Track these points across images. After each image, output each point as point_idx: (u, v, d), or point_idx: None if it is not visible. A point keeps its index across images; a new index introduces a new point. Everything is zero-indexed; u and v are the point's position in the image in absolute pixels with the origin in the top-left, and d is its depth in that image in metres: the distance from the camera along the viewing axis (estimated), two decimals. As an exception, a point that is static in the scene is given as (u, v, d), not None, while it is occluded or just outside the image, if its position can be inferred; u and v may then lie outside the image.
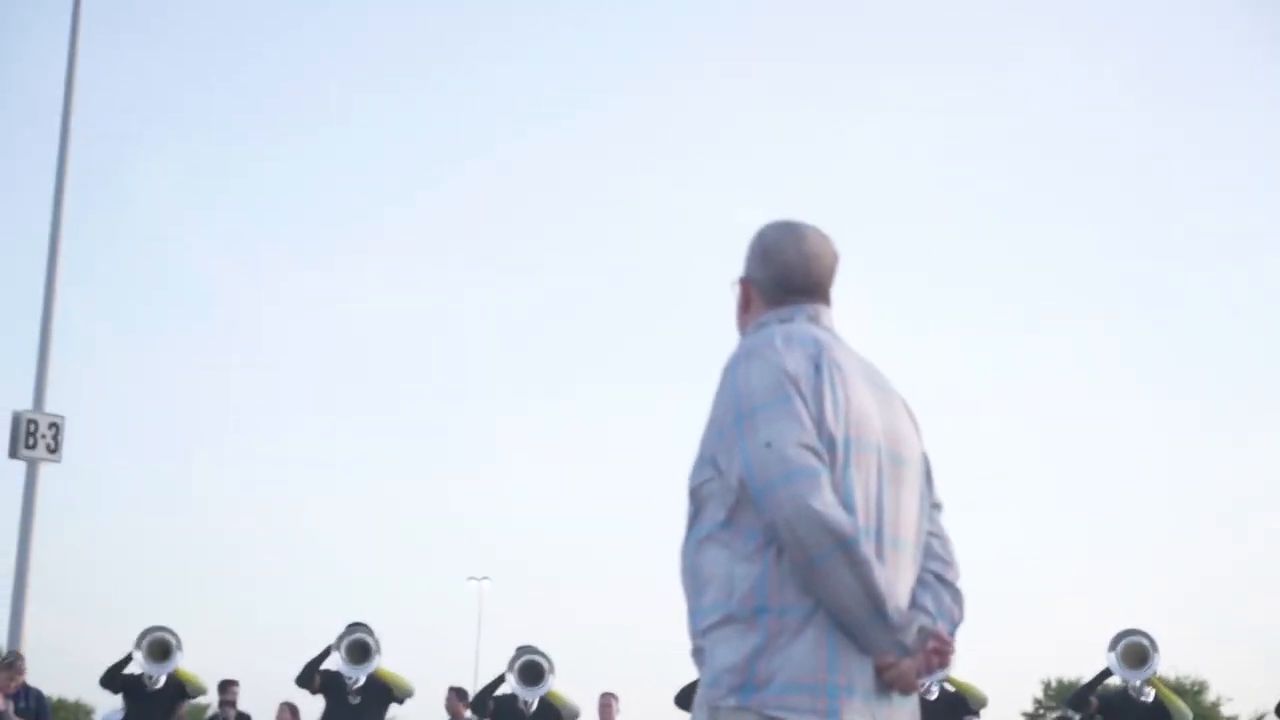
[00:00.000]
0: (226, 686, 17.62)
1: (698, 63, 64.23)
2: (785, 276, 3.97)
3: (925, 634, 3.73)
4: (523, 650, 15.22)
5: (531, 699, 15.06)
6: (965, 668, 13.82)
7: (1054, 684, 56.35)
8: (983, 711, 14.22)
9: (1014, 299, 71.18)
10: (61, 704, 45.74)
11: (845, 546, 3.53)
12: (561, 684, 15.21)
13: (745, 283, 4.02)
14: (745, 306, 4.02)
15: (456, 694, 17.28)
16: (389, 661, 15.08)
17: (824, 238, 4.05)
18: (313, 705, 15.54)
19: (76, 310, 58.55)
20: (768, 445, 3.57)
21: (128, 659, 14.96)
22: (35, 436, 22.51)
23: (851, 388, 3.74)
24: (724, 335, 4.00)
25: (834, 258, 4.04)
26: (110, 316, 63.79)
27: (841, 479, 3.64)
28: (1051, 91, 65.32)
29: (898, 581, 3.71)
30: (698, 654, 3.72)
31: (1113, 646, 13.54)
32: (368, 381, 73.10)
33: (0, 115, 52.70)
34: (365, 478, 74.40)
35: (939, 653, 3.76)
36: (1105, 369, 72.08)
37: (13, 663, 15.51)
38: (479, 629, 64.06)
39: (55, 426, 22.81)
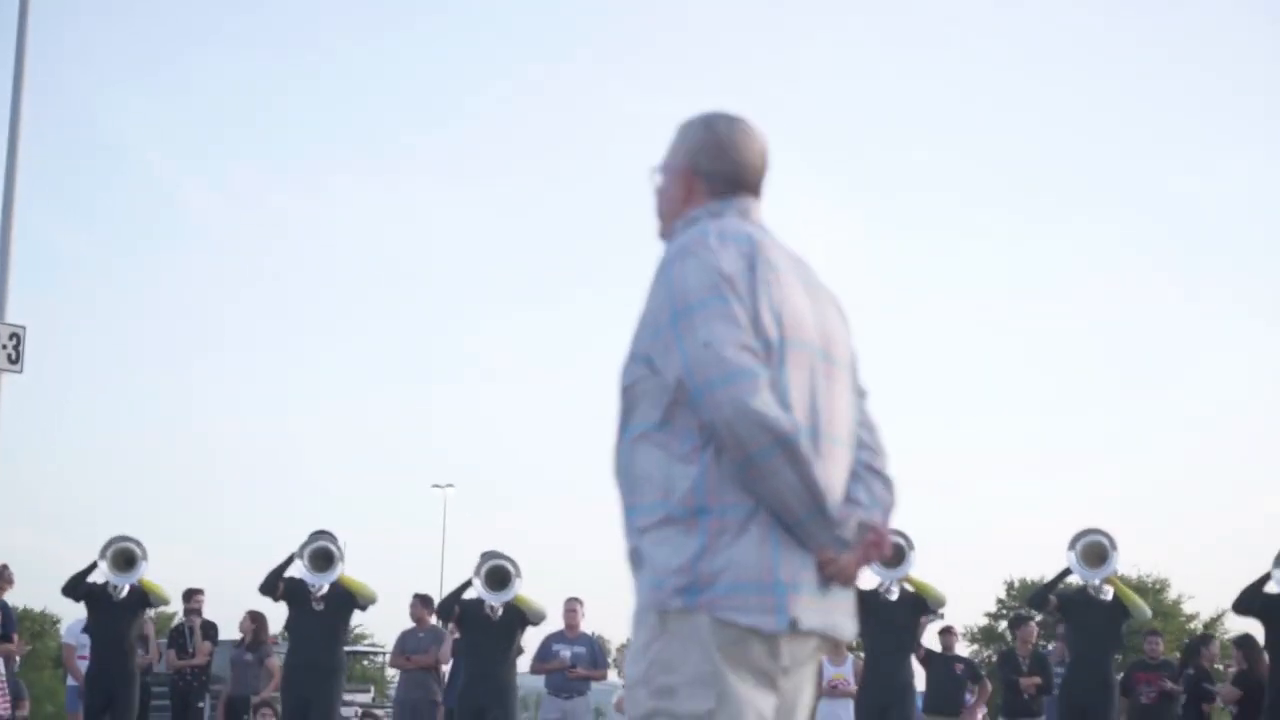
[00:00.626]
0: (191, 595, 17.65)
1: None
2: (738, 173, 3.97)
3: (863, 527, 3.74)
4: (488, 555, 15.25)
5: (497, 603, 15.11)
6: (930, 570, 13.94)
7: (1017, 584, 56.78)
8: (947, 612, 14.33)
9: (981, 203, 71.18)
10: (27, 614, 45.81)
11: (785, 445, 3.55)
12: (527, 589, 15.26)
13: (689, 174, 3.97)
14: (685, 198, 3.97)
15: (421, 600, 17.36)
16: (353, 569, 15.12)
17: (763, 134, 4.04)
18: (278, 613, 15.58)
19: (36, 220, 58.21)
20: (706, 345, 3.57)
21: (91, 567, 14.94)
22: (-5, 347, 22.44)
23: (785, 286, 3.75)
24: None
25: (768, 154, 4.05)
26: (72, 225, 63.39)
27: (778, 378, 3.65)
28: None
29: (835, 477, 3.73)
30: (634, 554, 3.72)
31: (1072, 546, 13.63)
32: (334, 293, 72.95)
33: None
34: (333, 389, 74.53)
35: (875, 544, 3.79)
36: (1069, 270, 72.28)
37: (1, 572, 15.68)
38: (444, 536, 64.26)
39: (16, 337, 22.74)
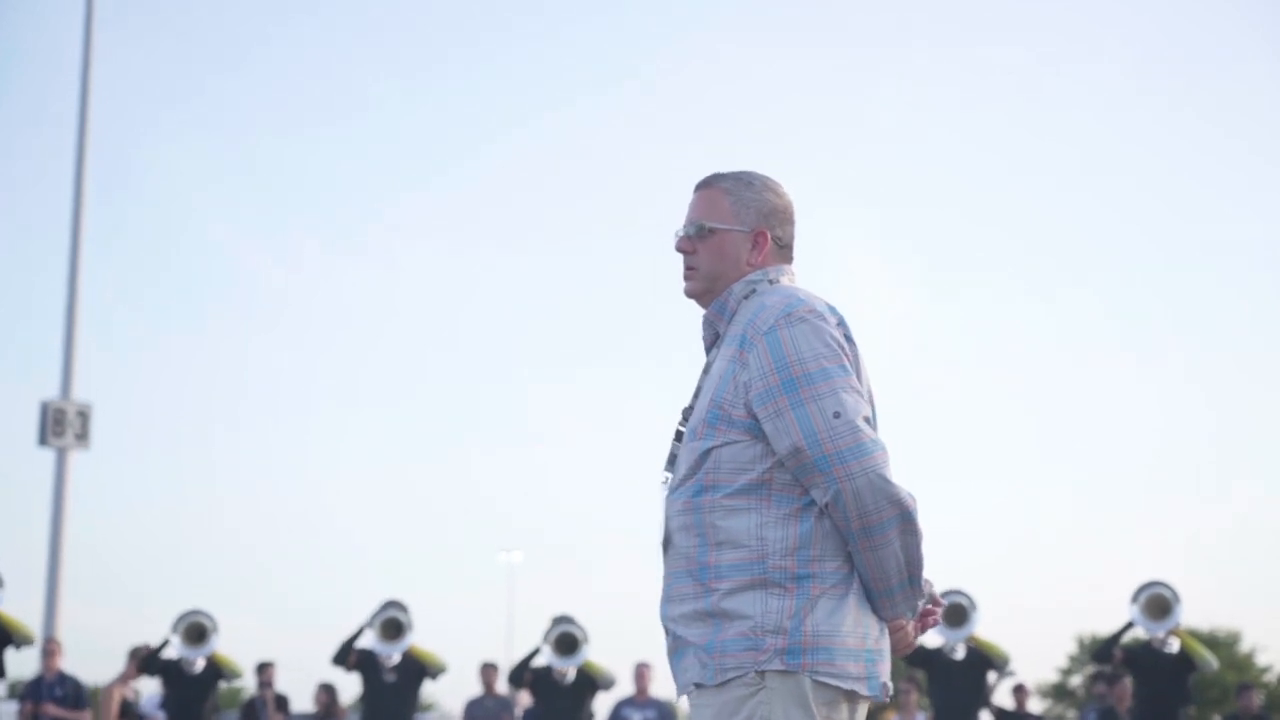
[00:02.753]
0: (264, 669, 17.76)
1: (728, 32, 63.93)
2: (791, 239, 4.03)
3: (927, 597, 3.87)
4: (558, 621, 15.34)
5: (568, 669, 15.18)
6: (998, 625, 13.98)
7: (1088, 639, 56.43)
8: (1018, 669, 14.34)
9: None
10: (98, 690, 46.02)
11: (907, 518, 3.68)
12: (596, 654, 15.33)
13: (763, 236, 3.96)
14: (750, 260, 3.96)
15: (489, 668, 17.39)
16: (422, 638, 15.21)
17: None
18: (350, 685, 15.66)
19: (100, 297, 58.65)
20: (836, 415, 3.65)
21: (165, 644, 15.10)
22: (64, 425, 22.68)
23: (861, 358, 3.85)
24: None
25: None
26: (133, 302, 63.88)
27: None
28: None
29: None
30: (717, 612, 3.72)
31: (1135, 599, 13.62)
32: (394, 360, 73.20)
33: (18, 104, 52.86)
34: (394, 457, 74.53)
35: (931, 614, 3.93)
36: (1128, 318, 71.92)
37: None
38: (510, 603, 64.26)
39: (83, 415, 22.98)
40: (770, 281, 3.92)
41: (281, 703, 17.79)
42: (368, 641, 15.09)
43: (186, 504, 73.21)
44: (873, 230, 62.85)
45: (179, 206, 63.49)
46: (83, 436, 22.86)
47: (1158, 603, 13.60)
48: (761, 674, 3.65)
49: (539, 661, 15.44)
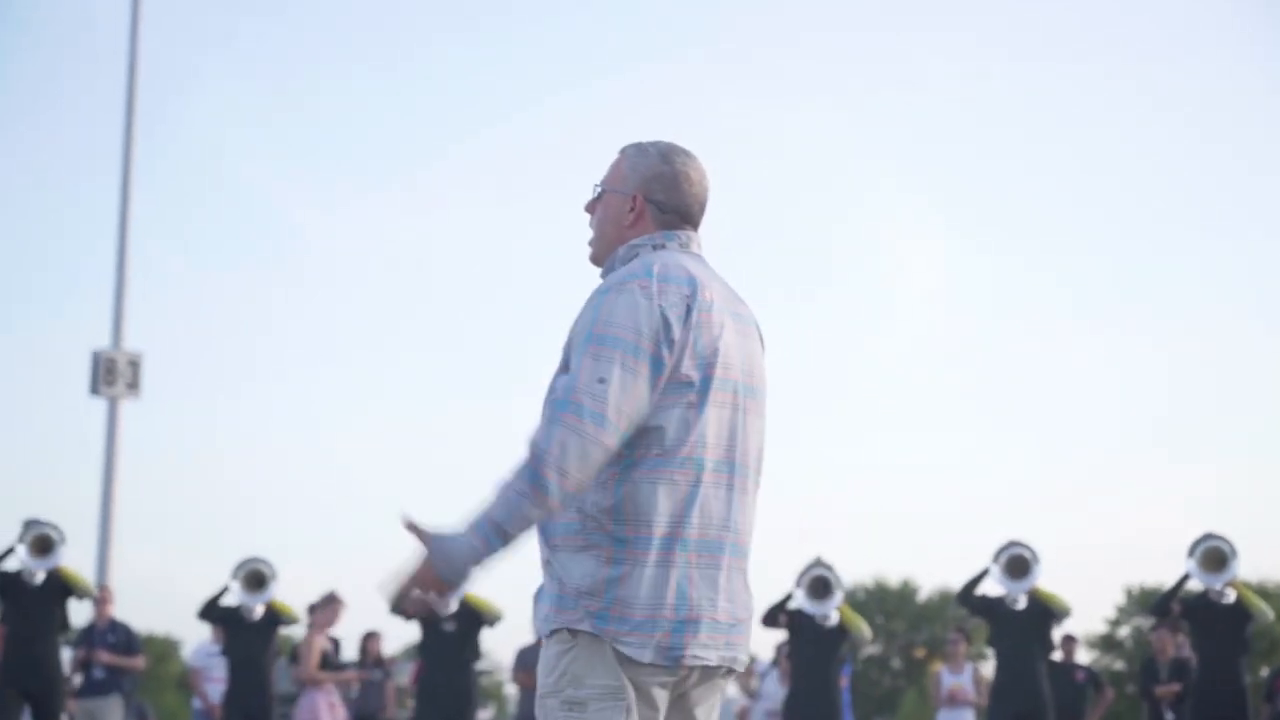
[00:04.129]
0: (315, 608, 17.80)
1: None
2: (687, 207, 4.11)
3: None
4: (815, 564, 14.92)
5: (827, 611, 14.74)
6: (1048, 576, 13.88)
7: (1136, 590, 56.25)
8: (1067, 620, 14.26)
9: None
10: (150, 638, 46.34)
11: (539, 484, 3.71)
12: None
13: (641, 201, 4.09)
14: (632, 224, 4.09)
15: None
16: (478, 588, 15.16)
17: (707, 173, 4.21)
18: (399, 633, 15.62)
19: (150, 246, 58.82)
20: (600, 381, 3.74)
21: (224, 591, 15.14)
22: (115, 374, 22.75)
23: (716, 326, 3.90)
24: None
25: (708, 192, 4.21)
26: (181, 251, 64.04)
27: (698, 415, 3.84)
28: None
29: (743, 503, 3.96)
30: (546, 565, 3.92)
31: (1191, 552, 13.51)
32: (442, 307, 73.25)
33: (67, 57, 53.03)
34: (447, 403, 74.65)
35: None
36: (1179, 267, 71.54)
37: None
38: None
39: (134, 364, 23.04)
40: (654, 247, 4.04)
41: (334, 649, 17.83)
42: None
43: (237, 451, 73.53)
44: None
45: (226, 155, 63.60)
46: (134, 385, 22.93)
47: (1214, 555, 13.48)
48: (574, 632, 3.80)
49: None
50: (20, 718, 13.81)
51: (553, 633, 3.85)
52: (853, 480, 72.53)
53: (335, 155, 67.51)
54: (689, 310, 3.84)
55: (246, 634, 15.06)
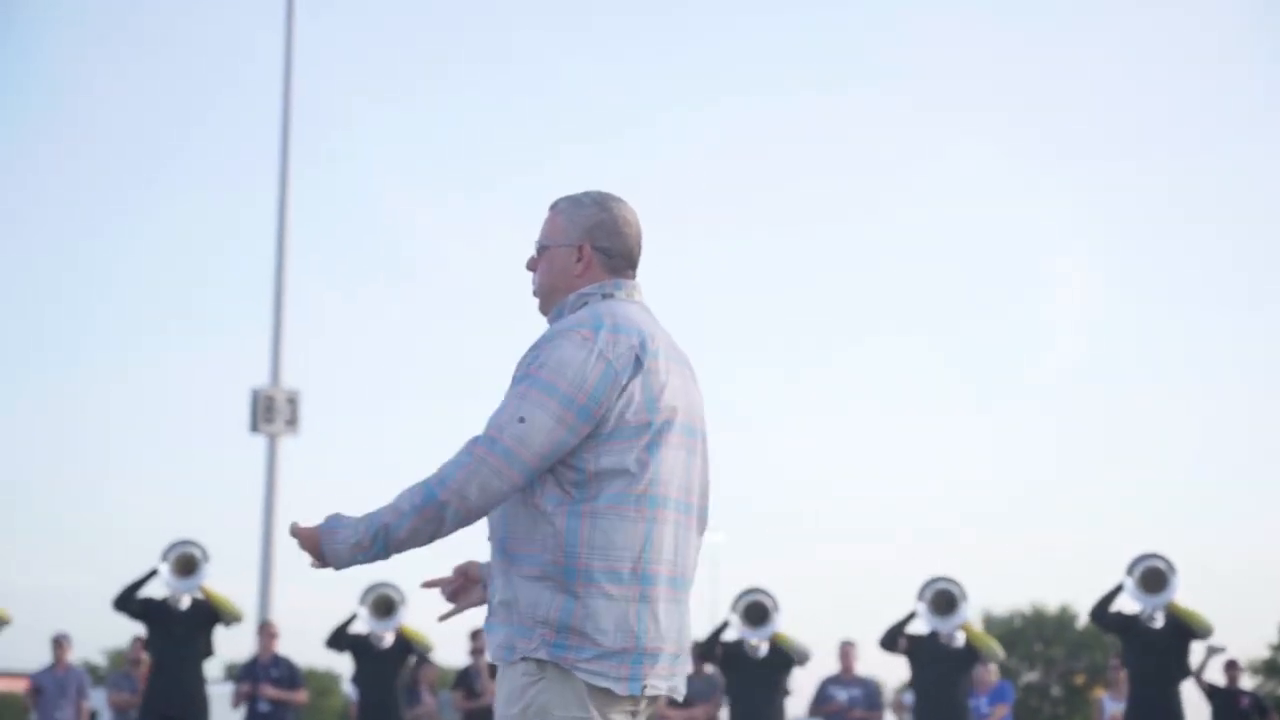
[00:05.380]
0: (477, 634, 17.87)
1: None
2: (630, 250, 4.26)
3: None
4: (747, 591, 15.05)
5: (759, 642, 14.86)
6: (1207, 598, 13.55)
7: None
8: (1228, 644, 13.93)
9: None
10: (310, 672, 46.80)
11: (432, 504, 3.91)
12: (797, 633, 15.03)
13: (587, 249, 4.21)
14: (580, 273, 4.21)
15: (697, 647, 17.24)
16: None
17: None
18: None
19: (305, 283, 59.60)
20: (520, 420, 3.90)
21: (351, 619, 15.04)
22: (274, 411, 23.12)
23: (665, 373, 4.06)
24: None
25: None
26: (337, 286, 64.76)
27: (651, 456, 4.00)
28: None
29: (688, 541, 4.15)
30: (508, 598, 4.04)
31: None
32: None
33: (222, 101, 53.90)
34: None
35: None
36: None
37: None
38: (714, 583, 64.31)
39: (292, 401, 23.39)
40: (604, 296, 4.18)
41: (494, 669, 17.92)
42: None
43: (394, 484, 73.97)
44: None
45: (377, 191, 64.26)
46: (292, 422, 23.29)
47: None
48: (541, 664, 3.94)
49: (729, 635, 15.17)
50: None
51: (516, 662, 3.98)
52: (1010, 507, 71.93)
53: (487, 188, 68.00)
54: (638, 360, 4.00)
55: (376, 661, 15.02)
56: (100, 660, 56.03)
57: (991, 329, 69.86)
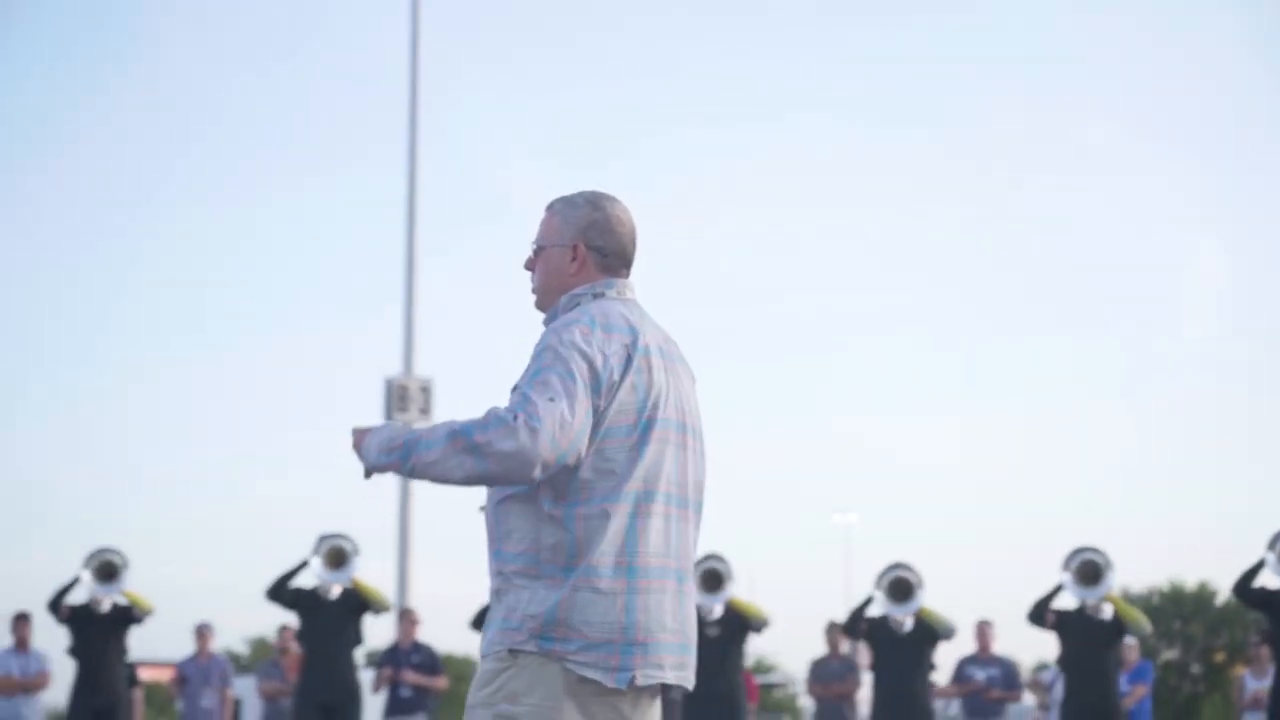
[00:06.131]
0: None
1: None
2: (624, 248, 4.36)
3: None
4: (891, 567, 14.92)
5: (904, 617, 14.75)
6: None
7: None
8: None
9: None
10: (449, 658, 47.10)
11: (473, 448, 3.93)
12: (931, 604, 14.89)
13: (581, 248, 4.31)
14: (575, 272, 4.32)
15: (835, 629, 17.05)
16: (755, 597, 15.09)
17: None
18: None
19: (435, 271, 59.94)
20: (551, 399, 3.95)
21: (301, 566, 14.53)
22: (407, 400, 23.30)
23: (654, 370, 4.17)
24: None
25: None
26: (465, 272, 64.93)
27: (641, 452, 4.09)
28: None
29: (684, 534, 4.21)
30: (496, 592, 4.13)
31: None
32: (722, 321, 73.49)
33: (350, 96, 54.31)
34: (730, 420, 74.94)
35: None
36: None
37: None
38: (847, 564, 64.19)
39: (425, 389, 23.57)
40: (594, 296, 4.28)
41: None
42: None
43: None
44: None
45: (502, 179, 64.58)
46: (425, 410, 23.46)
47: None
48: (514, 653, 4.03)
49: (873, 611, 15.08)
50: None
51: (491, 653, 4.07)
52: (1146, 483, 71.22)
53: (619, 171, 68.10)
54: (629, 357, 4.11)
55: (323, 616, 14.52)
56: (242, 649, 56.73)
57: (1126, 307, 69.16)
